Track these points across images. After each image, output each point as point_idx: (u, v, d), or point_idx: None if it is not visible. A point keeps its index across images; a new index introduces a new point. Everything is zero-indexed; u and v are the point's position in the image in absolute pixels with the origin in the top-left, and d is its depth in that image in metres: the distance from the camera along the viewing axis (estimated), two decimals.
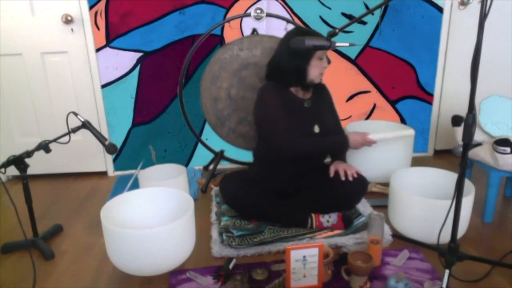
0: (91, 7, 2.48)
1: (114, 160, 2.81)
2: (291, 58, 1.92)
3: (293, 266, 1.47)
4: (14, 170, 1.80)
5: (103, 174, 2.85)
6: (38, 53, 2.56)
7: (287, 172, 2.04)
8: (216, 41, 2.61)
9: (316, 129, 2.00)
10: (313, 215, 1.95)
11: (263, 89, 2.00)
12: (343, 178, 1.93)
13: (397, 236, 1.87)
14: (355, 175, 1.93)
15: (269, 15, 2.45)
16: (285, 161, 2.00)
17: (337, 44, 1.70)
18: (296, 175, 2.05)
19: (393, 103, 2.88)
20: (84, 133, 2.57)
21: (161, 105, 2.71)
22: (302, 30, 1.99)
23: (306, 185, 2.06)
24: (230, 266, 1.66)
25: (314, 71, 1.95)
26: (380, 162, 2.29)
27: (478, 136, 2.13)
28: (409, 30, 2.71)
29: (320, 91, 2.11)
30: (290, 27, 2.56)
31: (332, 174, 1.96)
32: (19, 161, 1.80)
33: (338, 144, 2.01)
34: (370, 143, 2.01)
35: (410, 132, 2.19)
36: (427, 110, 2.92)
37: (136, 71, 2.62)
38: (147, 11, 2.50)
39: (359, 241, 1.85)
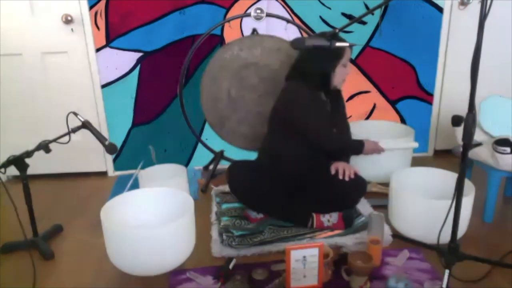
0: (91, 7, 2.48)
1: (114, 160, 2.81)
2: (317, 63, 1.93)
3: (293, 266, 1.47)
4: (14, 170, 1.81)
5: (103, 174, 2.84)
6: (38, 53, 2.56)
7: (292, 172, 2.05)
8: (216, 41, 2.61)
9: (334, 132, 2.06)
10: (314, 214, 1.96)
11: (297, 86, 1.97)
12: (341, 177, 1.93)
13: (397, 236, 1.87)
14: (352, 176, 1.93)
15: (269, 15, 2.45)
16: (292, 160, 2.02)
17: (337, 44, 1.70)
18: (300, 175, 2.06)
19: (393, 103, 2.88)
20: (84, 133, 2.54)
21: (161, 105, 2.71)
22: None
23: (309, 184, 2.06)
24: (230, 266, 1.65)
25: (338, 78, 1.98)
26: (380, 162, 2.29)
27: (478, 136, 2.13)
28: (409, 30, 2.71)
29: (337, 96, 2.14)
30: (290, 27, 2.58)
31: (333, 171, 1.97)
32: (19, 161, 1.80)
33: (356, 148, 2.06)
34: (380, 151, 2.10)
35: (415, 144, 2.31)
36: (427, 110, 2.91)
37: (136, 71, 2.62)
38: (147, 11, 2.50)
39: (359, 241, 1.85)
